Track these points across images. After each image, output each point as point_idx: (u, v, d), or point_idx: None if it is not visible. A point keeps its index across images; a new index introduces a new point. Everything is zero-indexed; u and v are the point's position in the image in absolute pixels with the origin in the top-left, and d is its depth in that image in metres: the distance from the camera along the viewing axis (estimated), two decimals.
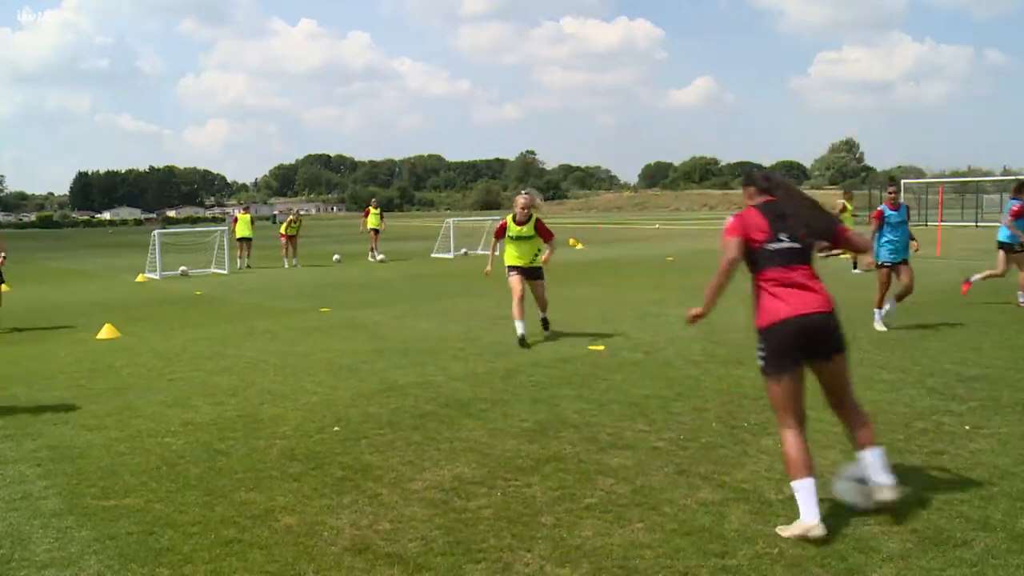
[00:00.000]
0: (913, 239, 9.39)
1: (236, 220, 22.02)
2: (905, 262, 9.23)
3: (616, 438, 5.09)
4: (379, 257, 22.46)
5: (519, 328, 8.44)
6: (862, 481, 3.78)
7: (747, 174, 4.15)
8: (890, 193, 9.63)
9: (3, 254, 10.18)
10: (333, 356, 8.15)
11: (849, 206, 19.15)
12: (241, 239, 21.40)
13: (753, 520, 3.76)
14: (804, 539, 3.49)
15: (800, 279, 3.81)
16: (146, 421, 5.81)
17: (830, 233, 3.97)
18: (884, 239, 9.24)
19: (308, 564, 3.44)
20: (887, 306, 9.25)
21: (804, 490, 3.58)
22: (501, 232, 8.83)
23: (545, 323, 9.10)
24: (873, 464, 3.74)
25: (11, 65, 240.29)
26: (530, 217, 8.64)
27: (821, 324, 3.77)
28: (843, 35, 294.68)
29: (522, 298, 8.58)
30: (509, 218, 8.73)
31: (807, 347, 3.80)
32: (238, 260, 21.39)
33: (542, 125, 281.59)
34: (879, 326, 9.08)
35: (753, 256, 3.88)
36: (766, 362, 3.93)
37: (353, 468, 4.66)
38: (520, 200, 8.70)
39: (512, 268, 8.74)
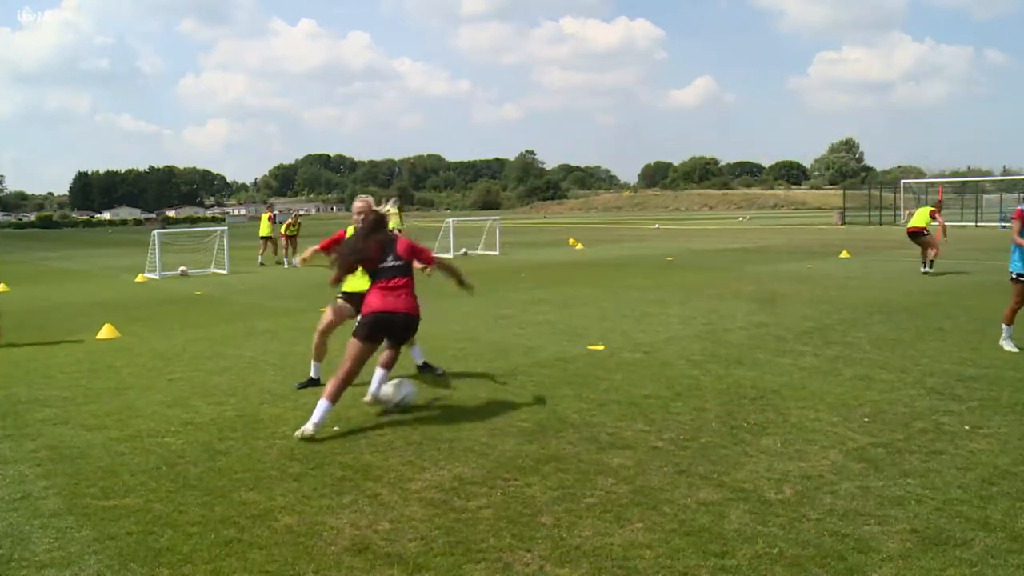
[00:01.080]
0: None
1: (271, 219, 23.46)
2: None
3: (616, 438, 5.09)
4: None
5: (313, 371, 6.81)
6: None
7: None
8: None
9: None
10: (333, 356, 8.13)
11: None
12: (264, 237, 22.87)
13: (753, 520, 3.76)
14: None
15: None
16: (146, 421, 5.80)
17: None
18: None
19: (308, 564, 3.44)
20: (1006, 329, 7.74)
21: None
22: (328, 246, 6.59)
23: (426, 367, 7.10)
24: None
25: (11, 65, 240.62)
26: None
27: None
28: (843, 35, 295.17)
29: (327, 331, 6.77)
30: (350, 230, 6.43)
31: None
32: (259, 257, 22.67)
33: (542, 125, 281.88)
34: (1008, 345, 7.64)
35: None
36: None
37: (353, 468, 4.66)
38: (357, 204, 6.06)
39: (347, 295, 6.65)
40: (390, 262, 5.65)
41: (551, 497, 4.13)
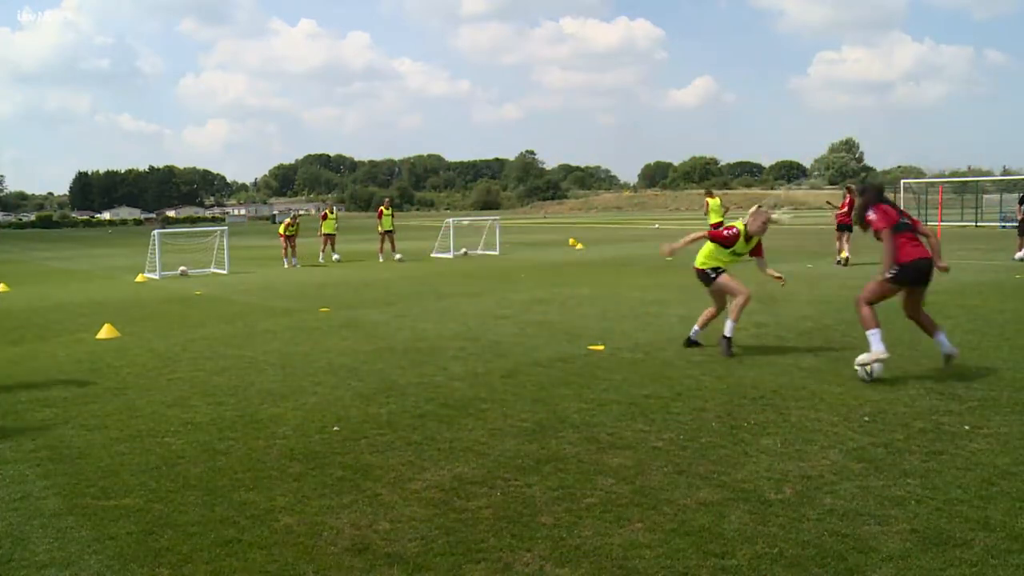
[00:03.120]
0: None
1: (381, 213, 23.53)
2: None
3: (616, 438, 5.09)
4: (397, 256, 22.42)
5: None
6: None
7: None
8: None
9: None
10: (333, 356, 8.15)
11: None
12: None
13: (753, 520, 3.76)
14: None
15: None
16: (146, 421, 5.80)
17: None
18: None
19: (308, 564, 3.44)
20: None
21: None
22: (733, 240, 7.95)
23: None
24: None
25: (11, 65, 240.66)
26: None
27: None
28: (843, 35, 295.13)
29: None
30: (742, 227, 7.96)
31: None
32: (380, 255, 23.05)
33: (542, 125, 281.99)
34: None
35: None
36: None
37: (353, 468, 4.66)
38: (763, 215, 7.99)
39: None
40: None
41: (551, 497, 4.13)
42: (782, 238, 28.57)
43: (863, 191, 7.17)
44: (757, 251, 8.09)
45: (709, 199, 21.70)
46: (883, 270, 6.58)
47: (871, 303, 6.77)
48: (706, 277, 7.91)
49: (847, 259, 17.24)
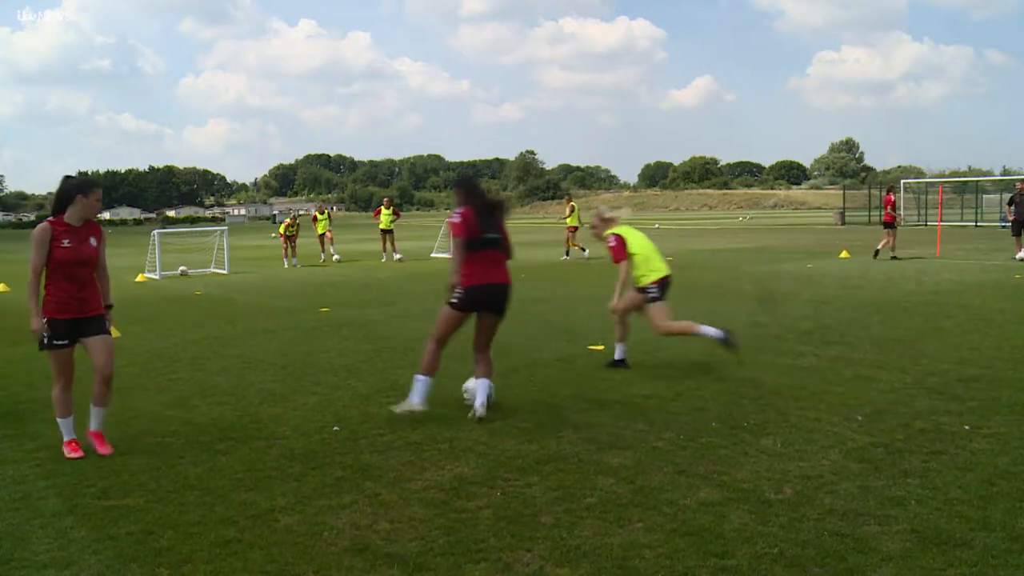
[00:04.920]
0: None
1: (379, 212, 23.26)
2: None
3: (616, 438, 5.09)
4: (397, 256, 22.39)
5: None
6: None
7: None
8: None
9: None
10: (333, 356, 8.15)
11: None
12: (384, 231, 22.66)
13: (753, 520, 3.76)
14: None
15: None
16: (146, 421, 5.80)
17: None
18: None
19: (308, 564, 3.44)
20: None
21: None
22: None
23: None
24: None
25: (11, 65, 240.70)
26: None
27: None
28: (843, 35, 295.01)
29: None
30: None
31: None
32: (383, 254, 22.53)
33: (542, 125, 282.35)
34: None
35: None
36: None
37: (353, 468, 4.66)
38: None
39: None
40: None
41: (551, 497, 4.13)
42: (782, 238, 28.55)
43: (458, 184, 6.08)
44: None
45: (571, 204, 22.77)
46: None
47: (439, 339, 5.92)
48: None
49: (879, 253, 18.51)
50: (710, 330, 6.80)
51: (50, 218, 4.90)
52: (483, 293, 5.84)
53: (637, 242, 7.24)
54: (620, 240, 7.19)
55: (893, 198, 19.23)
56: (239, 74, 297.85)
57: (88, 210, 4.92)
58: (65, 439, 5.00)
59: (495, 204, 6.04)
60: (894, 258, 18.18)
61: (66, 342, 4.91)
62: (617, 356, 7.35)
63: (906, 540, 3.50)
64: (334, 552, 3.55)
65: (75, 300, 4.90)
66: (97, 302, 5.03)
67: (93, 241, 4.95)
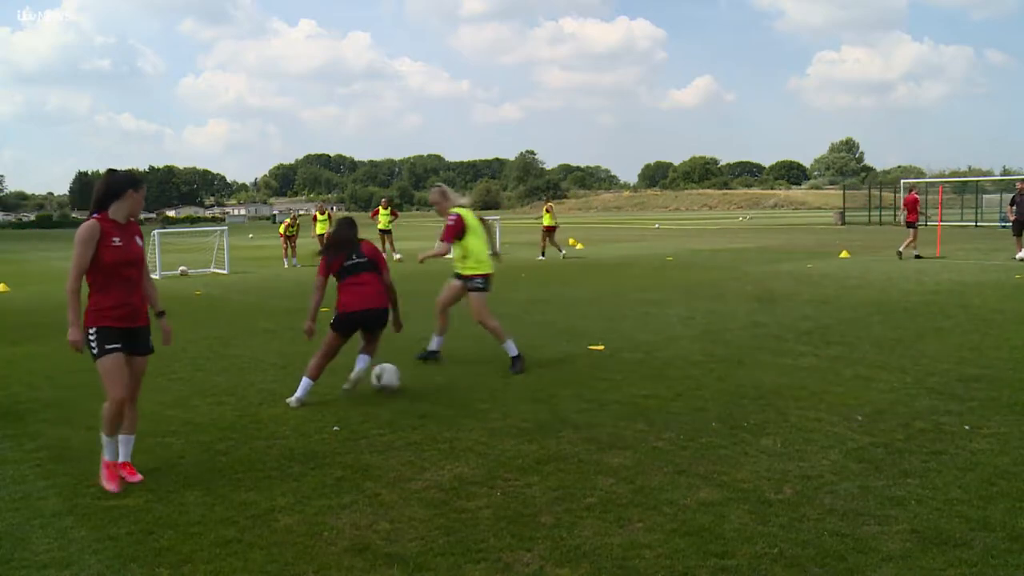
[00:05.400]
0: None
1: (376, 213, 23.22)
2: None
3: (616, 438, 5.09)
4: (396, 256, 22.36)
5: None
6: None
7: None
8: None
9: None
10: None
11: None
12: (383, 231, 22.45)
13: (753, 520, 3.76)
14: None
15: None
16: (146, 421, 5.79)
17: None
18: None
19: (308, 564, 3.44)
20: None
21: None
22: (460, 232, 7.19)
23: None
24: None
25: (11, 65, 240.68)
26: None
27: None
28: (843, 35, 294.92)
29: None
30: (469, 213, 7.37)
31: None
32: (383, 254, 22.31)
33: (542, 125, 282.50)
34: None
35: None
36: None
37: (353, 468, 4.66)
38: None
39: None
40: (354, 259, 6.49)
41: (551, 497, 4.13)
42: (782, 238, 28.57)
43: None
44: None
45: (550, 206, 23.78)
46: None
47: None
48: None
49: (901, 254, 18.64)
50: (511, 346, 7.16)
51: (95, 215, 4.40)
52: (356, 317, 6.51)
53: (474, 231, 7.28)
54: (460, 222, 7.17)
55: (917, 198, 19.45)
56: (239, 74, 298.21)
57: (137, 207, 4.54)
58: (106, 459, 4.46)
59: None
60: (917, 256, 18.31)
61: (119, 345, 4.36)
62: (432, 347, 7.56)
63: (906, 540, 3.50)
64: (334, 552, 3.55)
65: (126, 307, 4.42)
66: (145, 310, 4.62)
67: (139, 240, 4.55)
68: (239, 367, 7.71)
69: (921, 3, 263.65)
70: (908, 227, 18.96)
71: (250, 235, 23.05)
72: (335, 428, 5.48)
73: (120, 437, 4.52)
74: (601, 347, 8.17)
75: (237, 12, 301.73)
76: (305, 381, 6.16)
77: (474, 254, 7.25)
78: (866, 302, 11.17)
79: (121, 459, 4.54)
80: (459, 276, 7.41)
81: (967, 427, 5.11)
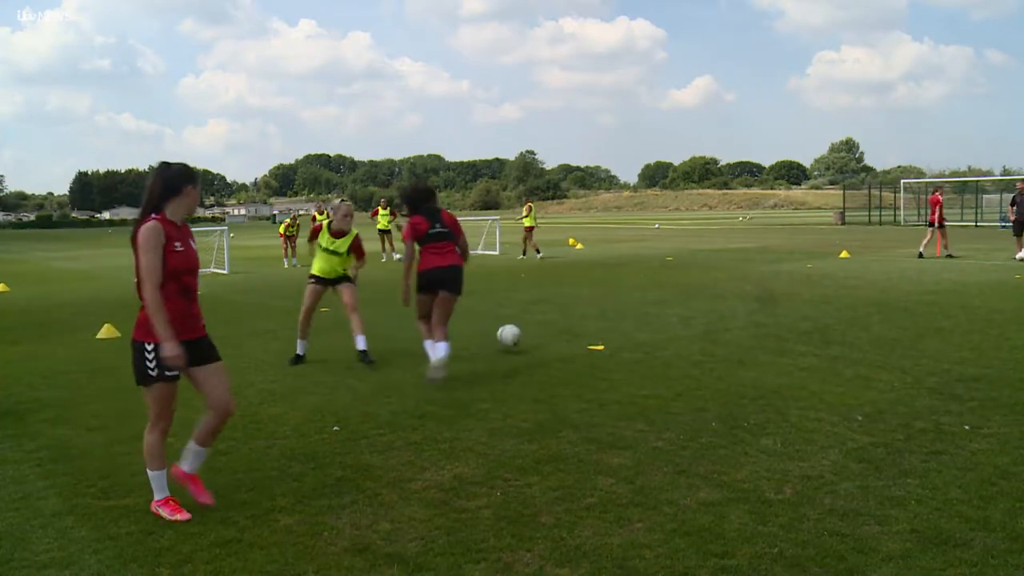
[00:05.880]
0: None
1: (375, 213, 23.18)
2: None
3: (616, 438, 5.09)
4: (396, 257, 22.28)
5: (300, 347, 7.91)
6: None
7: None
8: None
9: None
10: (333, 356, 8.14)
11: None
12: (382, 231, 22.43)
13: (753, 520, 3.76)
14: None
15: None
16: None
17: None
18: None
19: (308, 564, 3.44)
20: None
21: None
22: (316, 234, 8.02)
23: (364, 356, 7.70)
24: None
25: (11, 65, 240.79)
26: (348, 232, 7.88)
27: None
28: (843, 35, 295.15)
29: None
30: (325, 224, 7.95)
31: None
32: (383, 254, 22.17)
33: (542, 125, 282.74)
34: None
35: None
36: None
37: (353, 468, 4.66)
38: (344, 207, 8.01)
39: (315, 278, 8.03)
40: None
41: (551, 497, 4.12)
42: (782, 238, 28.57)
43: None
44: (357, 251, 8.01)
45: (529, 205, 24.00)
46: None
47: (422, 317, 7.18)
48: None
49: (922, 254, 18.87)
50: (360, 340, 7.81)
51: (153, 215, 3.93)
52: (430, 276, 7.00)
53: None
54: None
55: (941, 198, 19.59)
56: (239, 74, 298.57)
57: (194, 205, 4.12)
58: (158, 497, 4.04)
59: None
60: (949, 256, 18.47)
61: (177, 374, 3.96)
62: (299, 352, 7.93)
63: (906, 540, 3.50)
64: (334, 552, 3.55)
65: (189, 317, 4.01)
66: (202, 320, 4.16)
67: (193, 244, 4.10)
68: (239, 367, 7.70)
69: (921, 3, 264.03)
70: (930, 227, 19.22)
71: (231, 234, 22.96)
72: (335, 428, 5.48)
73: (192, 447, 4.18)
74: (601, 347, 8.18)
75: (237, 12, 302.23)
76: (428, 344, 6.93)
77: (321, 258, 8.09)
78: (866, 302, 11.17)
79: (188, 469, 4.19)
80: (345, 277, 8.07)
81: (967, 427, 5.11)
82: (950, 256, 18.54)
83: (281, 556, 3.51)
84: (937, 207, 19.19)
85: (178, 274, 3.94)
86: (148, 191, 3.97)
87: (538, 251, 22.05)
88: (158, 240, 3.85)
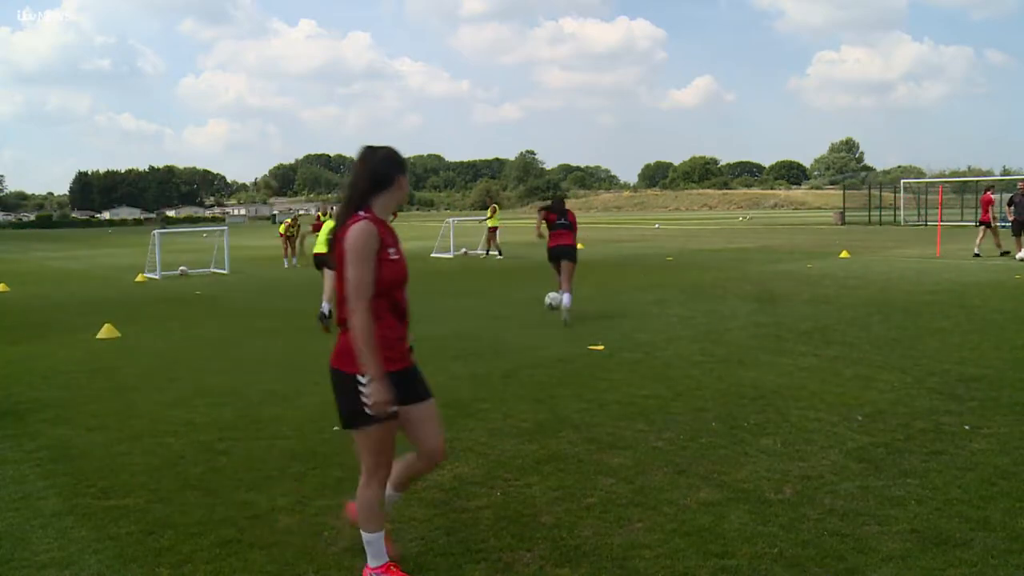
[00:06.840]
0: None
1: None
2: None
3: (616, 438, 5.09)
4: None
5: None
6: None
7: None
8: None
9: None
10: None
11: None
12: None
13: (753, 520, 3.76)
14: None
15: None
16: (146, 421, 5.80)
17: None
18: None
19: (308, 564, 3.44)
20: None
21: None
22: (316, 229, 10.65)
23: None
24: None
25: (11, 65, 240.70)
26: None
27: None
28: (842, 35, 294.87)
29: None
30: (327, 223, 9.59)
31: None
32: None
33: (542, 125, 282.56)
34: None
35: None
36: None
37: (353, 468, 4.62)
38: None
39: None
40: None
41: (551, 497, 4.13)
42: (782, 238, 28.56)
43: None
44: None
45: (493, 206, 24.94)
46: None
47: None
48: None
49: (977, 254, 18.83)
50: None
51: (362, 213, 3.12)
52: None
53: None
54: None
55: (992, 197, 19.81)
56: (239, 74, 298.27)
57: (404, 199, 3.40)
58: (375, 564, 3.24)
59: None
60: (1004, 254, 18.54)
61: (395, 409, 3.10)
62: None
63: (906, 540, 3.50)
64: (334, 552, 3.55)
65: (401, 342, 3.26)
66: (408, 342, 3.37)
67: (401, 247, 3.29)
68: (239, 367, 7.71)
69: (921, 3, 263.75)
70: (982, 226, 19.43)
71: (204, 235, 22.91)
72: (335, 428, 5.47)
73: (390, 494, 3.43)
74: (601, 347, 8.18)
75: (237, 12, 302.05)
76: (554, 294, 10.56)
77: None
78: (866, 302, 11.16)
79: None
80: None
81: (967, 427, 5.11)
82: (1005, 253, 18.54)
83: (281, 556, 3.51)
84: (989, 206, 19.39)
85: (392, 288, 3.16)
86: (351, 184, 3.19)
87: (499, 252, 22.27)
88: (371, 246, 3.03)
